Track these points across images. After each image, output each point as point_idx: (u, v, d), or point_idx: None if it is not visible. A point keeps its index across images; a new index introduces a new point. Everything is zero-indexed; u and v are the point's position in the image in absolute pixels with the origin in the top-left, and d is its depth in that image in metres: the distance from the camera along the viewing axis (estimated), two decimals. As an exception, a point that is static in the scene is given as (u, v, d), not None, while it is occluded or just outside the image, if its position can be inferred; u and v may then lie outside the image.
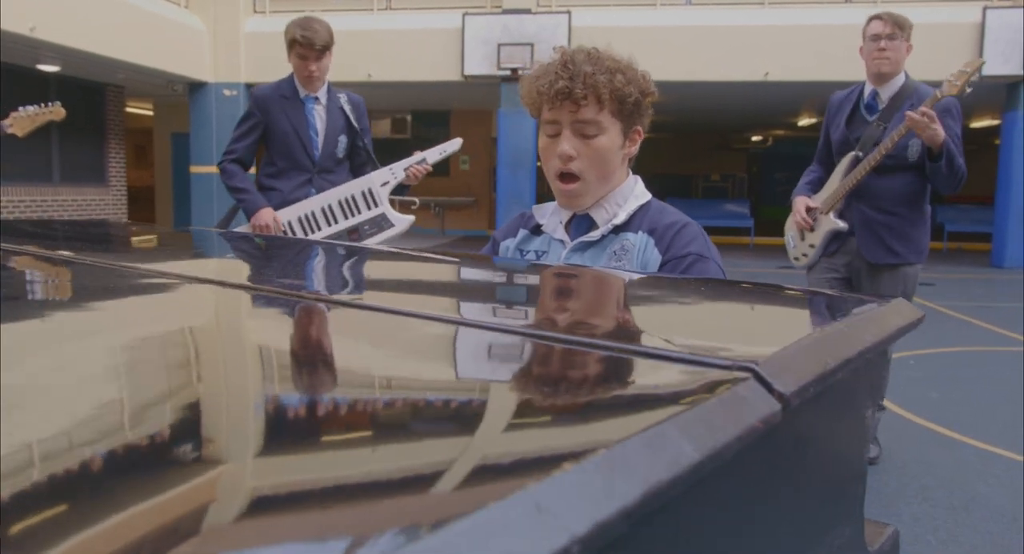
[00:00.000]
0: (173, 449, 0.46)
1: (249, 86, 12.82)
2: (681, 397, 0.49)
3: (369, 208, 3.36)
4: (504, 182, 12.67)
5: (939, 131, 2.82)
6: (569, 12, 11.90)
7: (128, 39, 10.73)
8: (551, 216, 1.67)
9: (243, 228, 3.37)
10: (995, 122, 14.03)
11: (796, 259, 3.34)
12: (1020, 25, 10.86)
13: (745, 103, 14.31)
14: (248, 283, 1.23)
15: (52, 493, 0.39)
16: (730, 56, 11.51)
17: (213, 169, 12.53)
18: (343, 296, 1.08)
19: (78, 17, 9.82)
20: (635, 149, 1.63)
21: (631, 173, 1.67)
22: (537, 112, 1.59)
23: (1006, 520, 2.79)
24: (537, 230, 1.69)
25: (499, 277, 1.24)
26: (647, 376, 0.58)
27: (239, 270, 1.49)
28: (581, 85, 1.49)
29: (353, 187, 3.38)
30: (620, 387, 0.57)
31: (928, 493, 3.03)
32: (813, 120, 16.57)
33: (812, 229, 3.22)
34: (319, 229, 3.34)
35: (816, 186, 3.31)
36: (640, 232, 1.56)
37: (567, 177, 1.57)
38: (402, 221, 3.39)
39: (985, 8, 11.10)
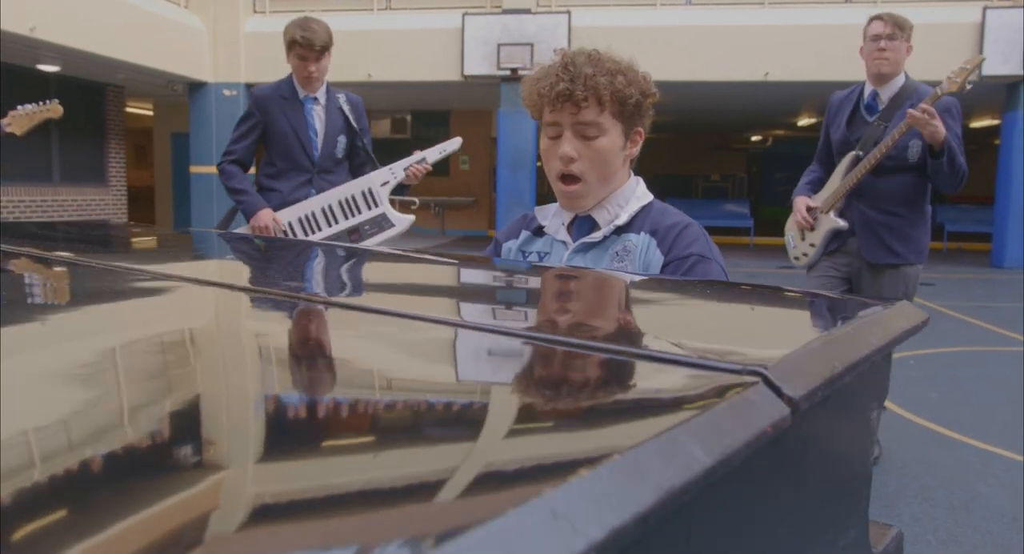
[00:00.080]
0: (172, 455, 0.45)
1: (249, 86, 12.82)
2: (691, 401, 0.49)
3: (369, 208, 3.36)
4: (504, 182, 12.67)
5: (940, 128, 2.82)
6: (569, 12, 11.90)
7: (128, 39, 10.73)
8: (553, 217, 1.68)
9: (242, 229, 3.37)
10: (995, 122, 14.04)
11: (796, 259, 3.34)
12: (1020, 25, 10.86)
13: (745, 103, 14.31)
14: (248, 285, 1.23)
15: (48, 497, 0.38)
16: (730, 56, 11.51)
17: (213, 169, 12.52)
18: (349, 299, 1.08)
19: (78, 17, 9.82)
20: (636, 150, 1.64)
21: (632, 174, 1.67)
22: (538, 114, 1.59)
23: (1006, 520, 2.80)
24: (539, 231, 1.70)
25: (508, 280, 1.24)
26: (657, 380, 0.58)
27: (238, 272, 1.49)
28: (582, 87, 1.49)
29: (353, 187, 3.38)
30: (631, 391, 0.57)
31: (928, 493, 3.03)
32: (813, 120, 16.58)
33: (812, 229, 3.22)
34: (319, 229, 3.34)
35: (816, 186, 3.31)
36: (642, 233, 1.56)
37: (568, 179, 1.57)
38: (402, 221, 3.39)
39: (985, 8, 11.11)
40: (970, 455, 3.48)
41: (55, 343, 0.76)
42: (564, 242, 1.64)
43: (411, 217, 3.43)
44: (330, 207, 3.34)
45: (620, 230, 1.58)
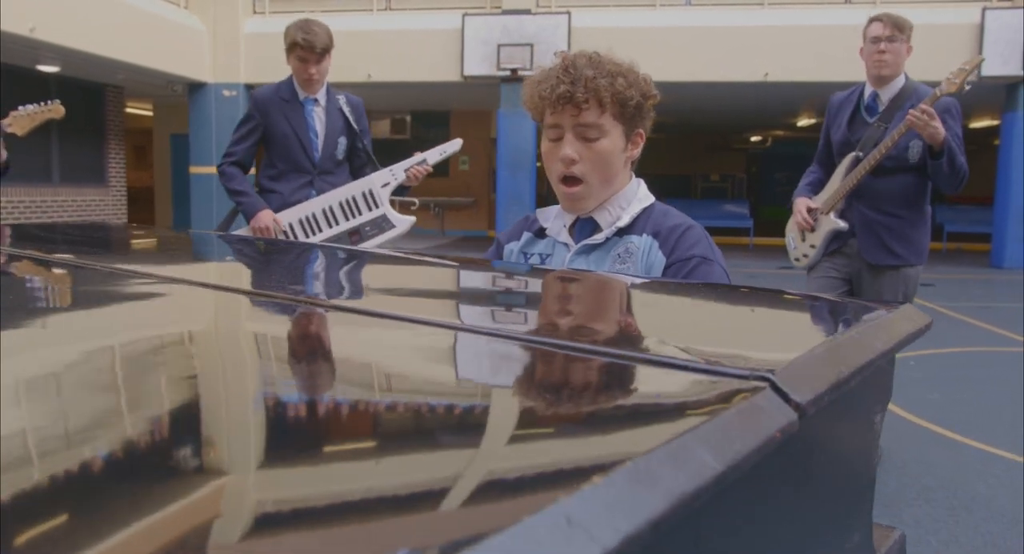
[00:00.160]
0: (172, 462, 0.45)
1: (249, 87, 12.83)
2: (700, 407, 0.50)
3: (370, 209, 3.36)
4: (504, 183, 12.67)
5: (939, 129, 2.83)
6: (569, 13, 11.91)
7: (128, 40, 10.73)
8: (555, 219, 1.68)
9: (243, 231, 3.37)
10: (994, 123, 14.05)
11: (797, 260, 3.34)
12: (1019, 26, 10.87)
13: (744, 104, 14.32)
14: (248, 288, 1.23)
15: (47, 502, 0.38)
16: (730, 57, 11.52)
17: (213, 170, 12.53)
18: (355, 303, 1.09)
19: (78, 18, 9.82)
20: (637, 152, 1.64)
21: (634, 176, 1.68)
22: (539, 116, 1.60)
23: (1006, 521, 2.80)
24: (541, 233, 1.70)
25: (515, 284, 1.24)
26: (665, 385, 0.58)
27: (238, 275, 1.49)
28: (583, 89, 1.50)
29: (354, 188, 3.38)
30: (639, 397, 0.58)
31: (929, 494, 3.03)
32: (812, 121, 16.59)
33: (813, 230, 3.22)
34: (320, 231, 3.34)
35: (816, 187, 3.31)
36: (644, 235, 1.57)
37: (570, 180, 1.58)
38: (403, 222, 3.39)
39: (984, 9, 11.12)
40: (970, 456, 3.48)
41: (56, 346, 0.76)
42: (566, 244, 1.64)
43: (412, 218, 3.43)
44: (331, 208, 3.35)
45: (622, 232, 1.59)
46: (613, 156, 1.57)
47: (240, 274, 1.50)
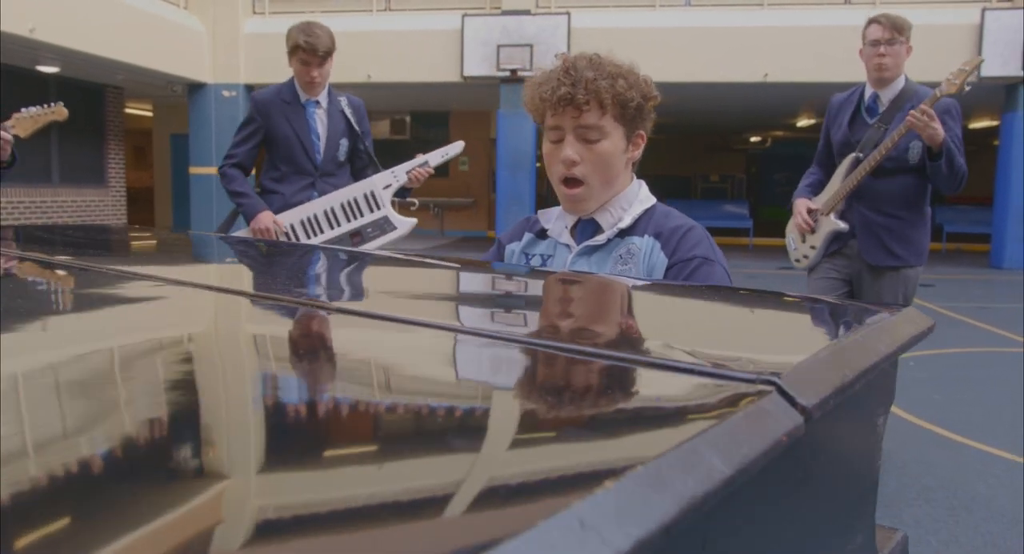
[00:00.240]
0: (171, 466, 0.45)
1: (248, 87, 12.83)
2: (707, 411, 0.50)
3: (372, 211, 3.36)
4: (503, 183, 12.68)
5: (939, 130, 2.83)
6: (568, 13, 11.91)
7: (127, 40, 10.73)
8: (556, 220, 1.68)
9: (243, 232, 3.38)
10: (994, 123, 14.07)
11: (797, 261, 3.35)
12: (1019, 26, 10.88)
13: (744, 104, 14.33)
14: (249, 290, 1.23)
15: (47, 505, 0.38)
16: (729, 57, 11.53)
17: (212, 170, 12.53)
18: (366, 306, 1.09)
19: (78, 18, 9.82)
20: (638, 153, 1.65)
21: (635, 177, 1.68)
22: (541, 118, 1.60)
23: (1006, 521, 2.80)
24: (542, 234, 1.70)
25: (521, 287, 1.24)
26: (672, 389, 0.58)
27: (239, 276, 1.49)
28: (583, 91, 1.50)
29: (355, 190, 3.39)
30: (647, 400, 0.58)
31: (929, 494, 3.04)
32: (812, 121, 16.60)
33: (813, 231, 3.23)
34: (321, 232, 3.34)
35: (816, 188, 3.32)
36: (646, 236, 1.57)
37: (571, 182, 1.58)
38: (404, 224, 3.40)
39: (984, 10, 11.13)
40: (970, 456, 3.49)
41: (57, 348, 0.76)
42: (567, 245, 1.64)
43: (413, 220, 3.44)
44: (332, 210, 3.35)
45: (623, 233, 1.59)
46: (614, 157, 1.57)
47: (241, 276, 1.50)
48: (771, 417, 0.49)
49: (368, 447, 0.49)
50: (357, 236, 3.35)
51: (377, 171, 3.47)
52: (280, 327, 0.91)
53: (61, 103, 3.47)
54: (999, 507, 2.92)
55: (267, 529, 0.37)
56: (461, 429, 0.53)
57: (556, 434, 0.50)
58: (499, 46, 11.90)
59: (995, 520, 2.82)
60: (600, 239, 1.60)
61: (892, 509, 2.88)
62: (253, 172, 3.48)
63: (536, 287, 1.23)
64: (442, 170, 3.52)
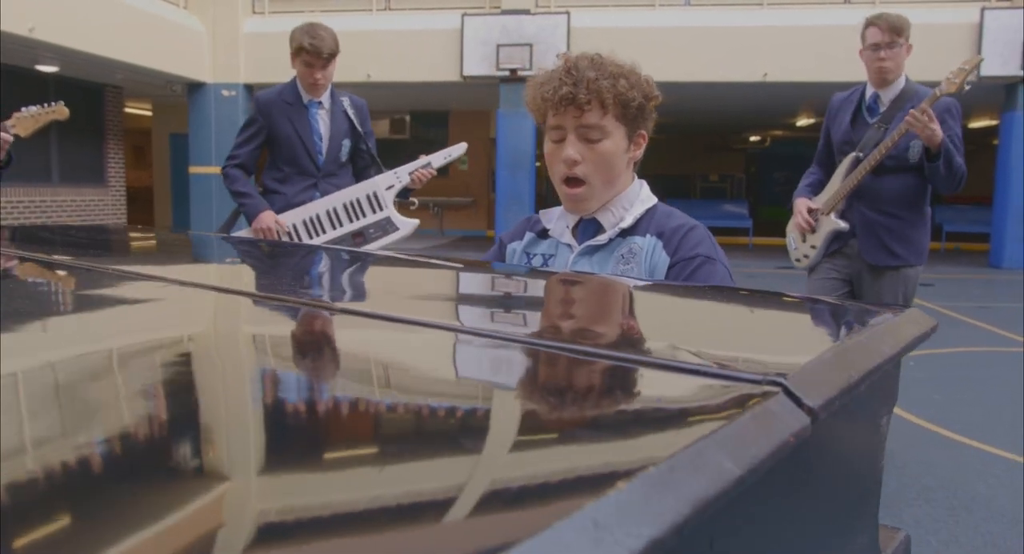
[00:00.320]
0: (172, 467, 0.45)
1: (248, 87, 12.83)
2: (715, 412, 0.50)
3: (374, 212, 3.37)
4: (503, 183, 12.68)
5: (937, 131, 2.84)
6: (568, 13, 11.91)
7: (127, 40, 10.73)
8: (558, 220, 1.69)
9: (244, 232, 3.38)
10: (993, 122, 14.07)
11: (798, 261, 3.35)
12: (1018, 26, 10.89)
13: (744, 104, 14.33)
14: (251, 290, 1.23)
15: (45, 507, 0.38)
16: (729, 57, 11.53)
17: (212, 170, 12.54)
18: (370, 307, 1.09)
19: (77, 18, 9.82)
20: (640, 153, 1.65)
21: (636, 177, 1.68)
22: (542, 118, 1.61)
23: (1006, 521, 2.81)
24: (544, 234, 1.71)
25: (527, 288, 1.24)
26: (680, 390, 0.59)
27: (241, 277, 1.49)
28: (585, 91, 1.51)
29: (358, 191, 3.39)
30: (657, 402, 0.58)
31: (929, 494, 3.04)
32: (811, 121, 16.61)
33: (813, 230, 3.23)
34: (324, 232, 3.35)
35: (816, 188, 3.32)
36: (648, 235, 1.57)
37: (573, 181, 1.58)
38: (407, 225, 3.40)
39: (983, 9, 11.13)
40: (970, 456, 3.49)
41: (58, 349, 0.76)
42: (569, 245, 1.65)
43: (415, 221, 3.45)
44: (335, 210, 3.35)
45: (625, 233, 1.59)
46: (615, 157, 1.58)
47: (243, 276, 1.50)
48: (778, 418, 0.49)
49: (383, 448, 0.49)
50: (359, 237, 3.35)
51: (380, 171, 3.47)
52: (283, 327, 0.91)
53: (62, 102, 3.47)
54: (999, 507, 2.92)
55: (280, 532, 0.37)
56: (474, 430, 0.53)
57: (567, 435, 0.50)
58: (499, 46, 11.90)
59: (995, 520, 2.82)
60: (602, 239, 1.60)
61: (892, 509, 2.88)
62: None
63: (544, 288, 1.23)
64: (442, 169, 3.52)
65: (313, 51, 3.21)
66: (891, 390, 0.82)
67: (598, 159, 1.56)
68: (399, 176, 3.39)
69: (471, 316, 1.02)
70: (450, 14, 12.26)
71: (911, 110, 2.87)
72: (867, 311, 0.86)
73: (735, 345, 0.76)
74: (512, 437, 0.51)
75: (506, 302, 1.13)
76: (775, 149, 21.55)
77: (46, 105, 3.42)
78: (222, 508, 0.41)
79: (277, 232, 3.27)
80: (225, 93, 12.89)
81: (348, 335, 0.86)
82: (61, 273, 1.29)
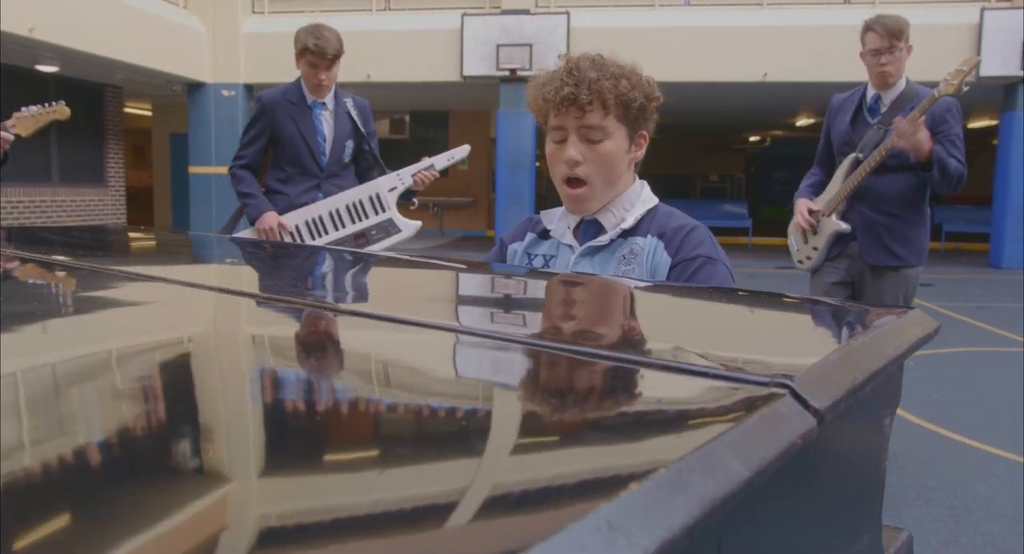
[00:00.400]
0: (172, 469, 0.45)
1: (248, 87, 12.83)
2: (723, 414, 0.51)
3: (377, 213, 3.37)
4: (503, 183, 12.68)
5: (923, 143, 2.86)
6: (568, 13, 11.92)
7: (127, 40, 10.73)
8: (559, 221, 1.69)
9: (246, 233, 3.38)
10: (993, 122, 14.08)
11: (800, 262, 3.36)
12: (1018, 26, 10.90)
13: (743, 104, 14.34)
14: (252, 291, 1.23)
15: (44, 509, 0.38)
16: (729, 57, 11.53)
17: (211, 170, 12.53)
18: (370, 308, 1.09)
19: (77, 18, 9.82)
20: (641, 154, 1.65)
21: (637, 178, 1.69)
22: (543, 119, 1.61)
23: (1007, 521, 2.81)
24: (545, 234, 1.71)
25: (531, 290, 1.24)
26: (688, 392, 0.59)
27: (243, 277, 1.49)
28: (586, 91, 1.51)
29: (361, 192, 3.40)
30: (665, 403, 0.59)
31: (929, 494, 3.05)
32: (811, 121, 16.61)
33: (815, 231, 3.24)
34: (326, 233, 3.35)
35: (818, 189, 3.32)
36: (649, 236, 1.58)
37: (574, 182, 1.59)
38: (409, 226, 3.41)
39: (983, 9, 11.14)
40: (970, 456, 3.50)
41: (59, 350, 0.76)
42: (570, 246, 1.65)
43: (418, 223, 3.45)
44: (337, 211, 3.36)
45: (626, 233, 1.60)
46: (617, 158, 1.58)
47: (245, 277, 1.50)
48: (785, 420, 0.50)
49: (395, 450, 0.50)
50: (362, 238, 3.36)
51: (382, 172, 3.48)
52: (285, 328, 0.91)
53: (63, 102, 3.47)
54: (999, 507, 2.93)
55: (285, 535, 0.38)
56: (486, 432, 0.53)
57: (577, 437, 0.50)
58: (499, 46, 11.90)
59: (995, 520, 2.82)
60: (603, 239, 1.60)
61: (892, 509, 2.89)
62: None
63: (549, 289, 1.23)
64: (442, 170, 3.53)
65: (318, 52, 3.21)
66: (894, 391, 0.83)
67: (599, 160, 1.57)
68: (402, 178, 3.39)
69: (480, 318, 1.03)
70: (450, 14, 12.26)
71: (897, 124, 2.88)
72: (871, 312, 0.86)
73: (740, 347, 0.76)
74: (525, 439, 0.51)
75: (514, 304, 1.13)
76: (775, 149, 21.55)
77: (47, 105, 3.42)
78: (226, 511, 0.41)
79: (280, 233, 3.27)
80: (225, 93, 12.89)
81: (356, 336, 0.86)
82: (63, 274, 1.29)
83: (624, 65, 1.58)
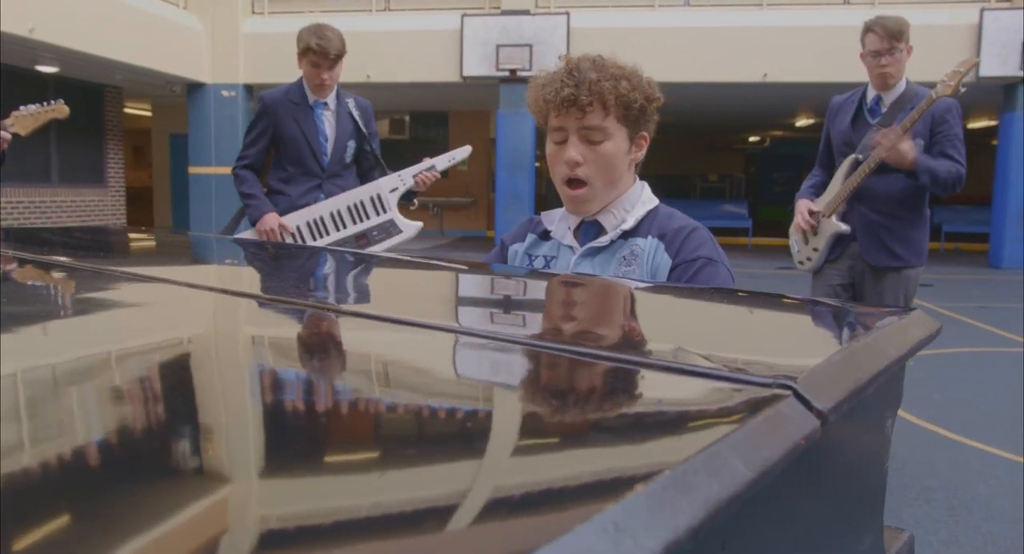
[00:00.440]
0: (171, 470, 0.45)
1: (247, 87, 12.83)
2: (727, 415, 0.51)
3: (378, 214, 3.38)
4: (503, 183, 12.68)
5: (906, 154, 2.88)
6: (567, 13, 11.92)
7: (126, 40, 10.73)
8: (559, 222, 1.69)
9: (247, 233, 3.38)
10: (992, 123, 14.09)
11: (801, 263, 3.36)
12: (1018, 26, 10.90)
13: (743, 104, 14.34)
14: (253, 291, 1.23)
15: (42, 510, 0.38)
16: (728, 57, 11.54)
17: (211, 170, 12.51)
18: (372, 309, 1.09)
19: (77, 18, 9.82)
20: (641, 155, 1.65)
21: (638, 179, 1.69)
22: (544, 119, 1.61)
23: (1006, 521, 2.81)
24: (545, 235, 1.71)
25: (534, 291, 1.24)
26: (692, 393, 0.59)
27: (243, 278, 1.49)
28: (586, 92, 1.51)
29: (362, 193, 3.40)
30: (669, 404, 0.59)
31: (929, 494, 3.05)
32: (811, 121, 16.61)
33: (815, 232, 3.24)
34: (328, 234, 3.35)
35: (819, 189, 3.33)
36: (650, 237, 1.58)
37: (574, 183, 1.59)
38: (410, 227, 3.41)
39: (982, 10, 11.14)
40: (970, 456, 3.50)
41: (59, 351, 0.76)
42: (571, 247, 1.65)
43: (419, 223, 3.46)
44: (339, 212, 3.36)
45: (627, 234, 1.60)
46: (617, 159, 1.58)
47: (246, 278, 1.50)
48: (789, 421, 0.50)
49: (401, 452, 0.50)
50: (363, 239, 3.36)
51: (384, 173, 3.48)
52: (286, 329, 0.91)
53: (61, 100, 3.47)
54: (999, 507, 2.93)
55: (287, 537, 0.38)
56: (491, 434, 0.53)
57: (581, 438, 0.50)
58: (498, 46, 11.90)
59: (995, 520, 2.83)
60: (604, 240, 1.60)
61: (893, 509, 2.89)
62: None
63: (551, 290, 1.23)
64: (443, 171, 3.53)
65: (320, 52, 3.21)
66: (896, 392, 0.83)
67: (600, 160, 1.57)
68: (403, 178, 3.40)
69: (483, 319, 1.03)
70: (450, 14, 12.27)
71: (879, 138, 2.89)
72: (872, 313, 0.87)
73: (743, 348, 0.76)
74: (529, 441, 0.51)
75: (516, 305, 1.13)
76: (775, 149, 21.55)
77: (45, 103, 3.42)
78: (227, 512, 0.41)
79: (280, 234, 3.28)
80: (224, 93, 12.89)
81: (358, 338, 0.86)
82: (63, 275, 1.29)
83: (624, 66, 1.58)
